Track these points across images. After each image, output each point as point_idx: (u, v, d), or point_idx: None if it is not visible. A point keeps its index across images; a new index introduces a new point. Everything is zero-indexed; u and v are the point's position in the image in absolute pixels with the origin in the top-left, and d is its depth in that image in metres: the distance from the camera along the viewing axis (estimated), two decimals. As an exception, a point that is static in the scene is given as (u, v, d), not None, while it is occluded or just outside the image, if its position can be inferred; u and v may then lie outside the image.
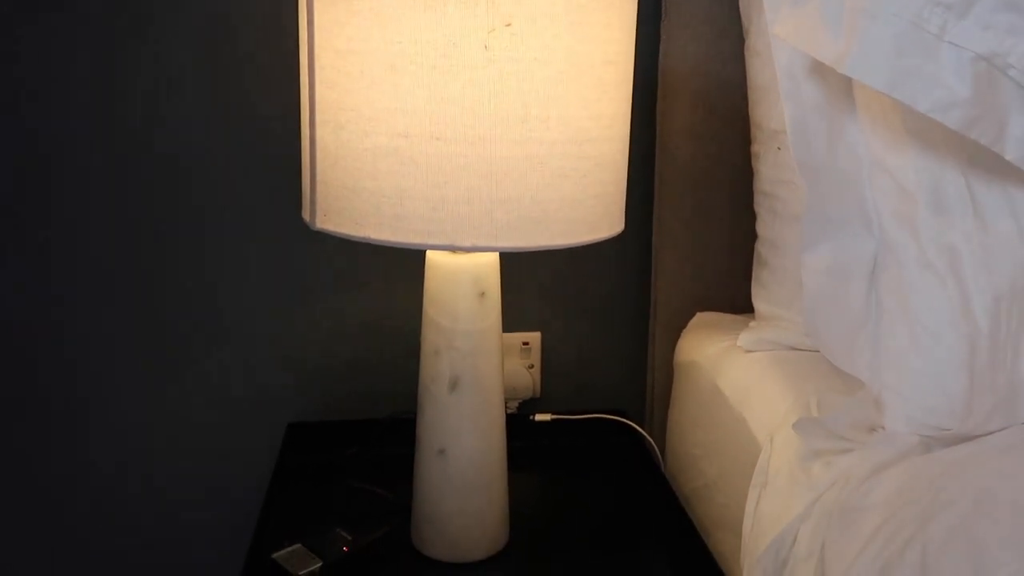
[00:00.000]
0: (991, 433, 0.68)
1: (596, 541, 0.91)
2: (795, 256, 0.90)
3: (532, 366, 1.17)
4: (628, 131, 0.78)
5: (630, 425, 1.11)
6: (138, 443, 1.13)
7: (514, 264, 1.14)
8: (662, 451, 1.10)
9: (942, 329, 0.68)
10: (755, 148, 0.96)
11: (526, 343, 1.16)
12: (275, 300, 1.12)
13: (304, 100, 0.76)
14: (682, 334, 1.07)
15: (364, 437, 1.10)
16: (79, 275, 1.07)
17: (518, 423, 1.11)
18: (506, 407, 1.14)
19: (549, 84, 0.69)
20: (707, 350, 0.98)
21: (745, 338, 0.93)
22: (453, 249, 0.71)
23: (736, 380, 0.90)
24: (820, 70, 0.74)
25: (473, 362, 0.83)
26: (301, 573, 0.82)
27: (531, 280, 1.16)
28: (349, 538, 0.87)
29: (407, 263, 1.12)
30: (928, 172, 0.68)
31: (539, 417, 1.10)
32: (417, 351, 1.14)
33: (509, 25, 0.66)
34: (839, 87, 0.74)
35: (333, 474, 1.03)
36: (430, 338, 0.84)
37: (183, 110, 1.05)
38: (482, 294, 0.82)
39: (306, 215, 0.77)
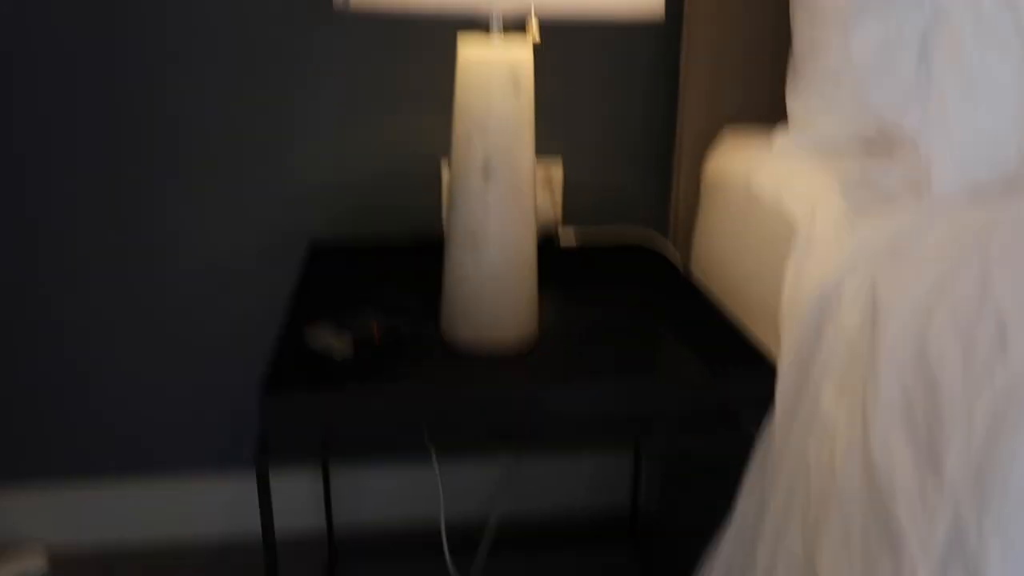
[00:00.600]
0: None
1: (625, 337, 0.91)
2: (833, 54, 0.89)
3: (554, 195, 1.16)
4: None
5: (655, 246, 1.09)
6: (159, 264, 1.13)
7: (539, 88, 1.12)
8: (687, 268, 1.09)
9: (1003, 82, 0.67)
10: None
11: (548, 173, 1.15)
12: (298, 123, 1.10)
13: None
14: (712, 149, 1.06)
15: (386, 258, 1.09)
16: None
17: (542, 250, 1.09)
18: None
19: None
20: (738, 158, 0.97)
21: (781, 142, 0.92)
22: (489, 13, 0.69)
23: (770, 178, 0.89)
24: None
25: (506, 147, 0.82)
26: (334, 345, 0.81)
27: (555, 105, 1.14)
28: (380, 322, 0.86)
29: (433, 81, 1.10)
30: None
31: (564, 242, 1.09)
32: (438, 180, 1.13)
33: None
34: None
35: (356, 288, 1.02)
36: (462, 125, 0.83)
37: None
38: (516, 84, 0.81)
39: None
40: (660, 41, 1.13)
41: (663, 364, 0.86)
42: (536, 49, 0.83)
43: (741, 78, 1.07)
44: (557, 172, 1.15)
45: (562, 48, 1.11)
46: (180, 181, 1.10)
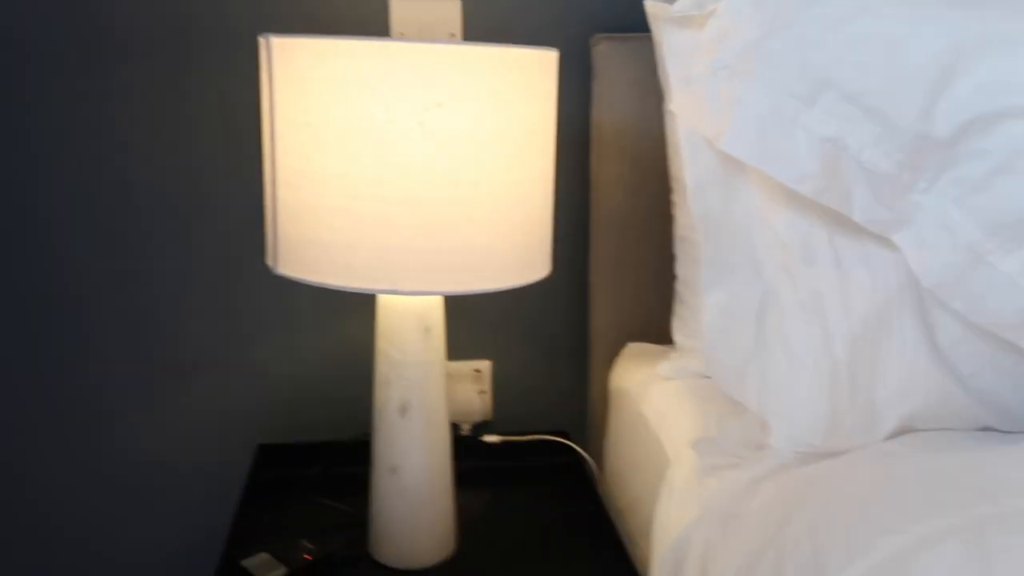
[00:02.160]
0: (852, 450, 0.79)
1: (535, 551, 1.02)
2: (699, 301, 1.02)
3: (483, 391, 1.28)
4: (551, 187, 0.90)
5: (571, 446, 1.22)
6: (114, 465, 1.24)
7: (468, 301, 1.25)
8: (600, 469, 1.21)
9: (810, 361, 0.79)
10: (674, 197, 1.08)
11: (478, 370, 1.27)
12: (248, 333, 1.23)
13: (267, 164, 0.87)
14: (615, 363, 1.18)
15: (329, 457, 1.21)
16: (63, 307, 1.18)
17: (470, 444, 1.21)
18: (460, 429, 1.26)
19: (477, 152, 0.80)
20: (634, 378, 1.09)
21: (665, 367, 1.05)
22: (397, 293, 0.82)
23: (655, 405, 1.01)
24: (714, 138, 0.86)
25: (421, 389, 0.94)
26: (268, 577, 0.92)
27: (483, 315, 1.27)
28: (311, 547, 0.98)
29: (366, 302, 1.23)
30: (799, 228, 0.80)
31: (488, 439, 1.21)
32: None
33: (440, 105, 0.78)
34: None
35: (299, 491, 1.14)
36: (382, 368, 0.95)
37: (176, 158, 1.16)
38: (427, 329, 0.93)
39: (270, 261, 0.88)
40: (573, 247, 1.26)
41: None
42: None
43: (644, 294, 1.19)
44: (486, 372, 1.27)
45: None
46: (127, 384, 1.22)
